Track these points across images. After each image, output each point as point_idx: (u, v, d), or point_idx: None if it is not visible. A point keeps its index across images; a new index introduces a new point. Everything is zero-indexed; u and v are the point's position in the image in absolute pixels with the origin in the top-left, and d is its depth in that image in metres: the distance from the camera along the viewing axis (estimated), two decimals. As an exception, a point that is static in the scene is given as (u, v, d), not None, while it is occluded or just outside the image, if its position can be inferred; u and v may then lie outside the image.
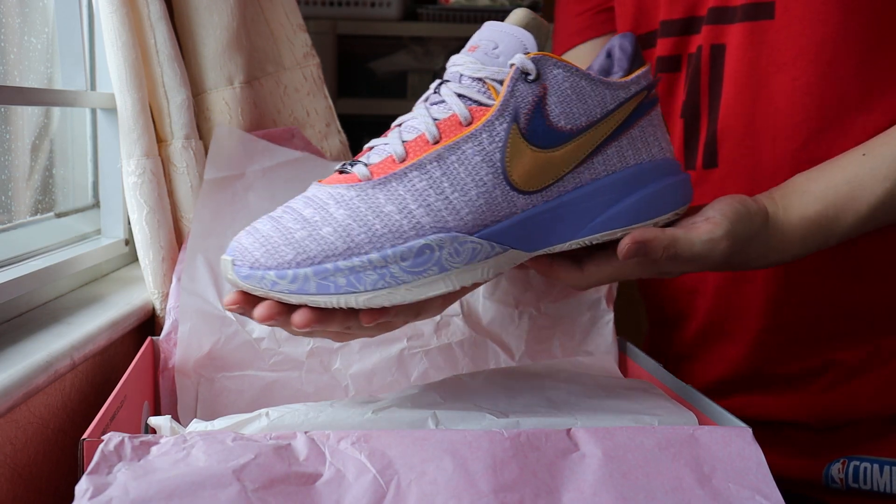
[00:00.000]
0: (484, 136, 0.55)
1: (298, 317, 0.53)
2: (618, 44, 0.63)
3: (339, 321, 0.54)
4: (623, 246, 0.58)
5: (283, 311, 0.53)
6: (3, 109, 0.81)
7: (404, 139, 0.56)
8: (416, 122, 0.57)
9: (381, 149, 0.56)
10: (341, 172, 0.56)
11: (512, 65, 0.56)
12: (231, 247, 0.55)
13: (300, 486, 0.47)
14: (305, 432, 0.50)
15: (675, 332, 0.87)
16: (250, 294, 0.54)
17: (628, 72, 0.61)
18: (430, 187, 0.54)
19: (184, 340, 0.73)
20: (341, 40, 1.53)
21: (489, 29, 0.59)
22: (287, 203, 0.56)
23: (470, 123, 0.55)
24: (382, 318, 0.54)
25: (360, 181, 0.54)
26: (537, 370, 0.67)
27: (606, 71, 0.64)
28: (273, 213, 0.56)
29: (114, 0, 0.79)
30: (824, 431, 0.78)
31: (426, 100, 0.58)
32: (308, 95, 0.97)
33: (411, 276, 0.53)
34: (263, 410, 0.54)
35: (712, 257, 0.61)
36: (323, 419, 0.54)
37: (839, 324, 0.77)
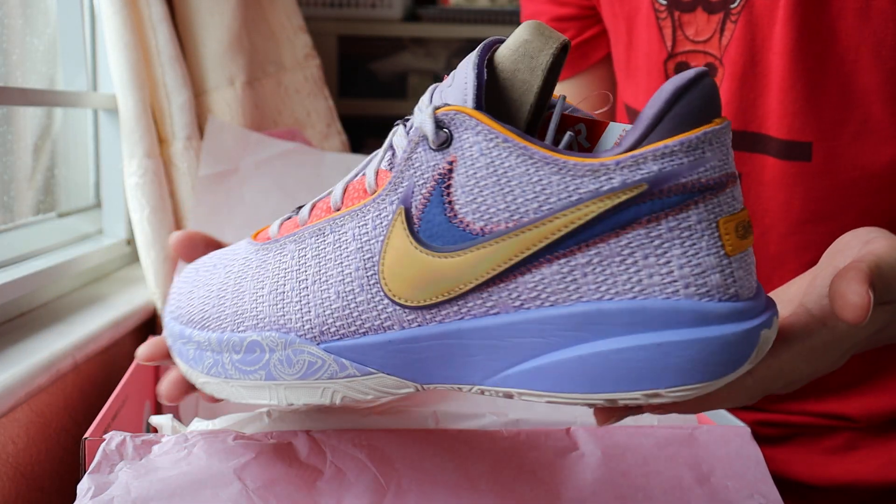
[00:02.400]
0: (370, 216, 0.40)
1: (161, 386, 0.51)
2: (660, 90, 0.36)
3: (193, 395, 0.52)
4: (857, 297, 0.38)
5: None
6: (5, 110, 0.81)
7: (323, 195, 0.44)
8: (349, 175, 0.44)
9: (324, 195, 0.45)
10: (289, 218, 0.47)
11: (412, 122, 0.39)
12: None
13: (301, 485, 0.47)
14: (306, 431, 0.50)
15: None
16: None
17: (637, 144, 0.35)
18: (295, 269, 0.42)
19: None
20: (342, 41, 1.53)
21: (472, 53, 0.39)
22: (222, 249, 0.50)
23: (373, 192, 0.40)
24: (185, 395, 0.50)
25: (264, 240, 0.45)
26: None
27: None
28: (217, 252, 0.50)
29: (115, 1, 0.79)
30: (840, 492, 0.74)
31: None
32: (309, 96, 0.97)
33: (239, 374, 0.44)
34: (264, 410, 0.55)
35: None
36: (323, 419, 0.54)
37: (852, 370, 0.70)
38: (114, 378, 0.73)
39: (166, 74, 0.84)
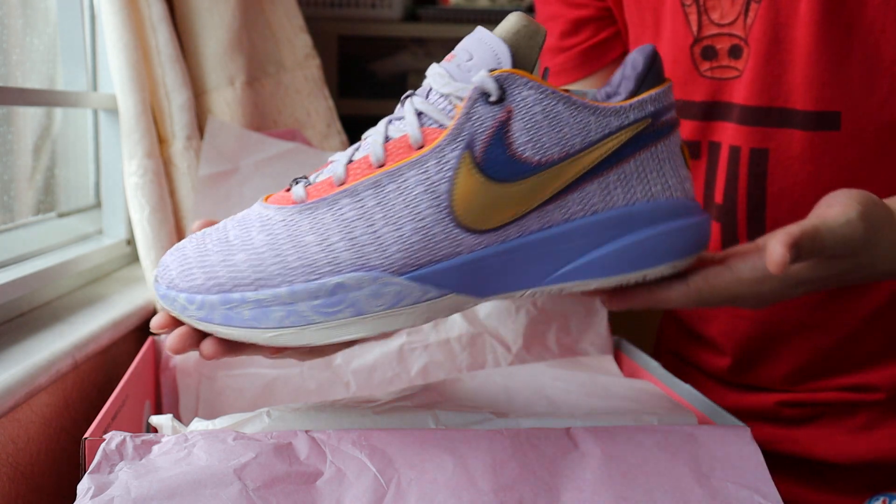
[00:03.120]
0: (431, 163, 0.48)
1: (205, 347, 0.49)
2: (631, 59, 0.54)
3: (249, 352, 0.51)
4: (778, 255, 0.49)
5: (196, 341, 0.50)
6: (5, 110, 0.81)
7: (352, 158, 0.50)
8: (368, 140, 0.50)
9: (332, 167, 0.50)
10: (287, 189, 0.51)
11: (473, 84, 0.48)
12: (161, 260, 0.51)
13: (301, 485, 0.47)
14: (306, 431, 0.50)
15: (704, 352, 0.84)
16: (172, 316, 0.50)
17: (633, 93, 0.53)
18: (360, 218, 0.47)
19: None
20: (342, 41, 1.53)
21: (473, 36, 0.51)
22: (228, 219, 0.51)
23: (421, 147, 0.48)
24: (227, 355, 0.50)
25: (293, 203, 0.49)
26: (537, 370, 0.67)
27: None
28: (208, 230, 0.51)
29: (115, 1, 0.79)
30: (863, 470, 0.76)
31: (390, 119, 0.52)
32: (309, 96, 0.97)
33: (321, 317, 0.47)
34: (264, 409, 0.55)
35: (852, 245, 0.53)
36: (323, 418, 0.54)
37: (872, 343, 0.75)
38: (114, 378, 0.73)
39: (166, 74, 0.84)
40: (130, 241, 0.91)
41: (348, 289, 0.47)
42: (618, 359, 0.77)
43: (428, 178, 0.48)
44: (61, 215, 0.87)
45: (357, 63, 1.56)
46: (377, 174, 0.48)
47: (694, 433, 0.52)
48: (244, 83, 0.90)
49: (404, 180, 0.48)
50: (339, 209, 0.48)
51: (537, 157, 0.49)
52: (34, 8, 0.87)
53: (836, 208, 0.54)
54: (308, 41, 0.98)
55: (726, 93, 0.72)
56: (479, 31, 0.51)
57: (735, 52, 0.70)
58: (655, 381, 0.67)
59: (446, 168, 0.48)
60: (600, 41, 0.79)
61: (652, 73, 0.53)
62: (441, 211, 0.48)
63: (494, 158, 0.48)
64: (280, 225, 0.48)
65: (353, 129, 1.09)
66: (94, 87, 0.90)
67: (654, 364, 0.70)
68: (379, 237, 0.47)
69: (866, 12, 0.65)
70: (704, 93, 0.72)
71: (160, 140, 0.85)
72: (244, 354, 0.51)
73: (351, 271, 0.47)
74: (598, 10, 0.79)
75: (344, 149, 0.98)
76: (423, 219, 0.47)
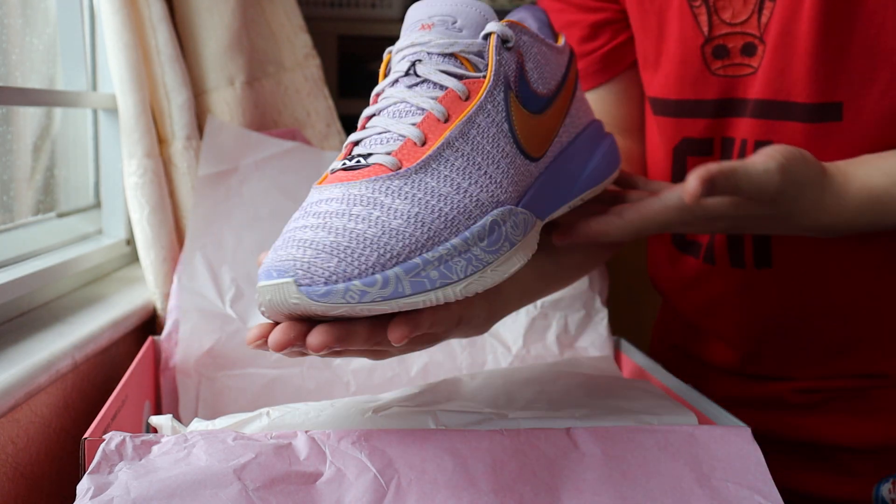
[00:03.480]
0: (489, 106, 0.53)
1: (315, 338, 0.46)
2: (530, 14, 0.62)
3: (362, 339, 0.47)
4: (692, 186, 0.54)
5: (303, 333, 0.46)
6: (4, 110, 0.81)
7: (411, 122, 0.51)
8: (406, 105, 0.52)
9: (382, 137, 0.51)
10: (347, 169, 0.50)
11: (491, 34, 0.54)
12: (277, 268, 0.45)
13: (301, 486, 0.47)
14: (306, 431, 0.50)
15: (711, 345, 0.84)
16: (299, 323, 0.47)
17: (554, 39, 0.61)
18: (469, 164, 0.51)
19: (185, 339, 0.73)
20: (342, 41, 1.53)
21: (439, 4, 0.55)
22: (308, 210, 0.48)
23: (468, 97, 0.53)
24: (416, 332, 0.47)
25: (393, 171, 0.49)
26: (537, 370, 0.67)
27: None
28: (305, 223, 0.47)
29: (115, 1, 0.79)
30: (873, 453, 0.77)
31: (395, 82, 0.54)
32: (308, 96, 0.97)
33: (492, 256, 0.49)
34: (264, 410, 0.55)
35: (767, 192, 0.58)
36: (323, 418, 0.54)
37: (878, 330, 0.76)
38: (113, 378, 0.73)
39: (166, 74, 0.84)
40: (130, 241, 0.91)
41: (500, 224, 0.50)
42: (618, 359, 0.77)
43: (493, 119, 0.52)
44: (61, 215, 0.87)
45: (357, 63, 1.55)
46: (456, 124, 0.51)
47: (694, 433, 0.52)
48: (244, 83, 0.90)
49: (479, 125, 0.52)
50: (448, 160, 0.50)
51: (544, 90, 0.56)
52: (34, 7, 0.87)
53: (761, 157, 0.58)
54: (308, 41, 0.98)
55: (740, 89, 0.73)
56: (436, 0, 0.56)
57: (749, 50, 0.71)
58: (655, 381, 0.67)
59: (501, 109, 0.53)
60: (620, 44, 0.80)
61: (550, 21, 0.63)
62: (514, 145, 0.53)
63: (525, 93, 0.55)
64: (409, 187, 0.48)
65: (353, 129, 1.09)
66: (94, 87, 0.90)
67: (653, 364, 0.70)
68: (491, 176, 0.51)
69: (866, 5, 0.66)
70: (717, 91, 0.73)
71: (160, 140, 0.85)
72: (348, 345, 0.47)
73: (494, 208, 0.50)
74: (615, 12, 0.80)
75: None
76: (507, 154, 0.52)
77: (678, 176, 0.76)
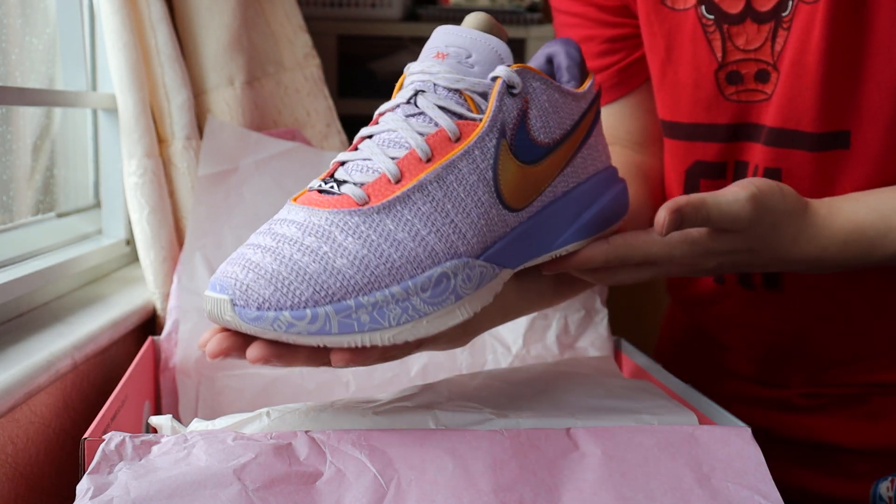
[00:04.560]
0: (476, 152, 0.52)
1: (253, 352, 0.48)
2: (563, 50, 0.60)
3: (304, 357, 0.49)
4: (661, 217, 0.55)
5: (241, 346, 0.49)
6: (4, 110, 0.81)
7: (392, 156, 0.52)
8: (396, 135, 0.52)
9: (363, 165, 0.52)
10: (321, 192, 0.51)
11: (497, 77, 0.53)
12: (221, 283, 0.48)
13: (301, 486, 0.47)
14: (306, 432, 0.50)
15: (720, 350, 0.84)
16: (239, 336, 0.49)
17: (580, 81, 0.59)
18: (435, 210, 0.50)
19: (185, 339, 0.73)
20: (342, 41, 1.53)
21: (456, 35, 0.55)
22: (270, 229, 0.50)
23: (458, 139, 0.52)
24: (360, 358, 0.49)
25: (359, 206, 0.50)
26: (537, 370, 0.67)
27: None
28: (260, 242, 0.49)
29: (115, 1, 0.79)
30: (873, 454, 0.78)
31: (395, 108, 0.54)
32: (308, 96, 0.97)
33: (432, 308, 0.49)
34: (264, 410, 0.55)
35: (739, 222, 0.58)
36: (323, 419, 0.54)
37: (882, 345, 0.76)
38: (113, 378, 0.73)
39: (166, 74, 0.84)
40: (130, 241, 0.91)
41: (449, 277, 0.50)
42: (618, 359, 0.77)
43: (477, 166, 0.52)
44: (60, 215, 0.87)
45: (357, 63, 1.55)
46: (435, 168, 0.51)
47: (694, 433, 0.52)
48: (244, 83, 0.90)
49: (459, 171, 0.52)
50: (415, 204, 0.50)
51: (547, 139, 0.55)
52: (33, 7, 0.87)
53: (734, 187, 0.59)
54: (308, 41, 0.98)
55: (753, 115, 0.73)
56: (459, 30, 0.55)
57: (762, 77, 0.72)
58: (655, 381, 0.67)
59: (489, 156, 0.52)
60: (637, 58, 0.80)
61: (584, 63, 0.61)
62: (493, 195, 0.52)
63: (521, 143, 0.54)
64: (365, 227, 0.49)
65: (353, 129, 1.09)
66: (94, 87, 0.90)
67: (653, 364, 0.70)
68: (456, 226, 0.51)
69: (874, 36, 0.66)
70: (730, 116, 0.74)
71: (159, 140, 0.85)
72: (288, 364, 0.49)
73: (447, 260, 0.50)
74: (633, 28, 0.79)
75: (344, 148, 0.98)
76: (482, 204, 0.52)
77: None
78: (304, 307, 0.47)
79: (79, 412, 0.67)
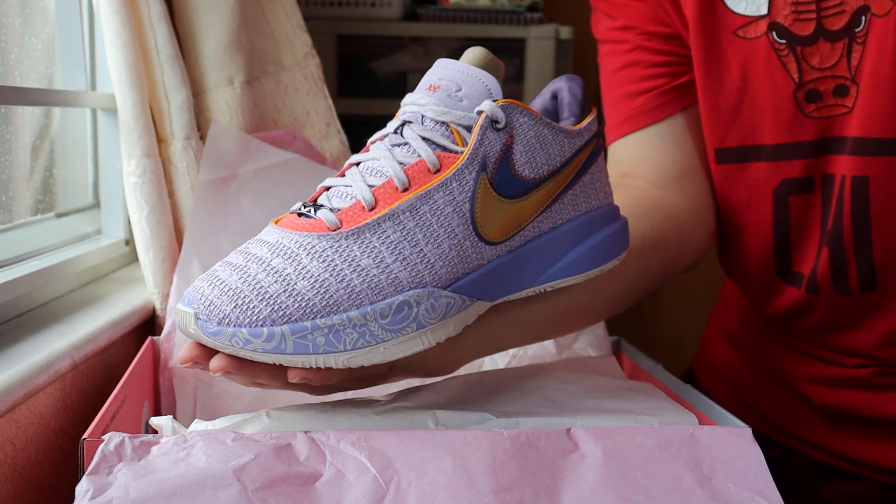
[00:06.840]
0: (454, 185, 0.53)
1: (215, 362, 0.50)
2: (566, 87, 0.61)
3: (265, 373, 0.51)
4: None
5: (207, 356, 0.51)
6: (3, 109, 0.81)
7: (370, 184, 0.53)
8: (379, 164, 0.54)
9: (344, 191, 0.54)
10: (300, 215, 0.53)
11: (481, 112, 0.54)
12: (190, 297, 0.51)
13: (300, 486, 0.47)
14: (305, 432, 0.50)
15: (786, 323, 0.85)
16: (206, 347, 0.51)
17: (580, 118, 0.60)
18: (404, 239, 0.52)
19: (184, 340, 0.73)
20: (341, 40, 1.53)
21: (449, 69, 0.56)
22: (246, 248, 0.53)
23: (438, 171, 0.53)
24: (318, 377, 0.51)
25: (330, 230, 0.51)
26: (537, 370, 0.67)
27: (552, 114, 0.62)
28: (232, 260, 0.52)
29: (114, 0, 0.79)
30: None
31: (384, 137, 0.56)
32: (308, 95, 0.97)
33: (390, 335, 0.51)
34: (263, 410, 0.54)
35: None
36: (323, 419, 0.54)
37: None
38: (112, 379, 0.73)
39: (165, 74, 0.84)
40: (129, 241, 0.91)
41: (412, 305, 0.51)
42: (618, 359, 0.77)
43: (454, 198, 0.53)
44: (60, 215, 0.87)
45: (356, 62, 1.55)
46: (410, 198, 0.52)
47: (694, 434, 0.51)
48: (243, 82, 0.90)
49: (434, 202, 0.53)
50: (384, 232, 0.52)
51: (532, 175, 0.55)
52: (33, 7, 0.87)
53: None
54: (307, 40, 0.97)
55: (836, 128, 0.75)
56: (454, 63, 0.56)
57: (841, 92, 0.74)
58: (655, 382, 0.67)
59: (467, 189, 0.53)
60: (681, 84, 0.81)
61: (586, 100, 0.61)
62: (468, 227, 0.53)
63: (502, 178, 0.54)
64: (330, 251, 0.51)
65: (353, 129, 1.09)
66: (93, 87, 0.90)
67: (654, 364, 0.70)
68: (425, 255, 0.52)
69: None
70: (813, 132, 0.76)
71: (159, 140, 0.85)
72: (251, 380, 0.52)
73: (411, 289, 0.51)
74: (681, 56, 0.81)
75: (343, 148, 0.98)
76: (455, 236, 0.53)
77: (780, 216, 0.79)
78: (262, 325, 0.49)
79: (78, 412, 0.67)
